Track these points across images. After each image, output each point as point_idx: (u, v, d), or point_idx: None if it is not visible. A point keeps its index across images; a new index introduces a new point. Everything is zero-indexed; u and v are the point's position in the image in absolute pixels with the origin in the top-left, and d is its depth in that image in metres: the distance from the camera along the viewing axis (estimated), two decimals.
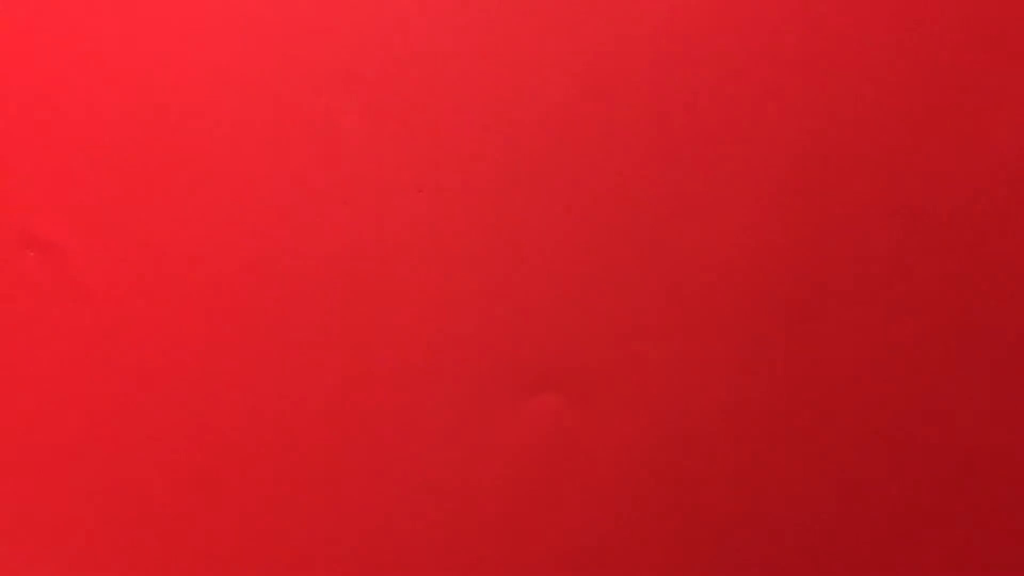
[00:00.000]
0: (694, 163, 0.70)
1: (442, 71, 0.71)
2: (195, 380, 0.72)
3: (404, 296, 0.72)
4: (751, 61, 0.70)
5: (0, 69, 0.74)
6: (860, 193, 0.70)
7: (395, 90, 0.72)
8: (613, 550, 0.72)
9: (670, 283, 0.70)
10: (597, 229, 0.71)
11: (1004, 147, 0.69)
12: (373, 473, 0.72)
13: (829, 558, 0.72)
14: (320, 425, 0.72)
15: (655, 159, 0.70)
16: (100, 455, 0.73)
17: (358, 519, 0.72)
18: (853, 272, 0.70)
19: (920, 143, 0.69)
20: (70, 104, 0.73)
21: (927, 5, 0.69)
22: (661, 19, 0.70)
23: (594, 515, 0.72)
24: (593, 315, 0.71)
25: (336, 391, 0.72)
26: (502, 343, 0.71)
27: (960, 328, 0.70)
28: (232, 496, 0.73)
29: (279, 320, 0.72)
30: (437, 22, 0.71)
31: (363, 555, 0.72)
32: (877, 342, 0.70)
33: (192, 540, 0.73)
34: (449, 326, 0.72)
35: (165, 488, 0.73)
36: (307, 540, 0.73)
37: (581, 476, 0.72)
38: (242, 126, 0.72)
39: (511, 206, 0.71)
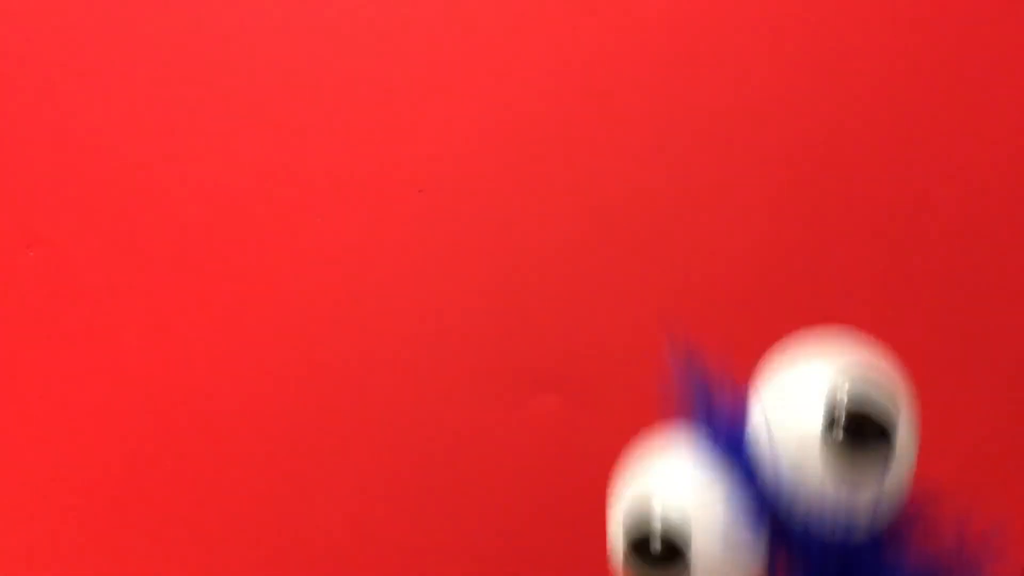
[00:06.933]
0: (695, 164, 0.70)
1: (443, 71, 0.72)
2: (197, 381, 0.72)
3: (403, 297, 0.72)
4: (752, 61, 0.70)
5: (0, 70, 0.74)
6: (860, 196, 0.70)
7: (395, 90, 0.72)
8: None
9: (670, 284, 0.70)
10: (598, 230, 0.71)
11: (1004, 147, 0.69)
12: (372, 473, 0.72)
13: None
14: (319, 425, 0.72)
15: (656, 160, 0.71)
16: (100, 455, 0.73)
17: (359, 518, 0.72)
18: (854, 275, 0.70)
19: (920, 143, 0.70)
20: (71, 104, 0.73)
21: (927, 5, 0.69)
22: (662, 19, 0.70)
23: (594, 514, 0.72)
24: (593, 316, 0.71)
25: (335, 391, 0.72)
26: (502, 343, 0.71)
27: (960, 328, 0.70)
28: (233, 496, 0.73)
29: (280, 320, 0.72)
30: (437, 21, 0.71)
31: (363, 554, 0.72)
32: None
33: (194, 539, 0.73)
34: (449, 327, 0.72)
35: (166, 488, 0.73)
36: (308, 539, 0.73)
37: (581, 476, 0.72)
38: (242, 126, 0.72)
39: (511, 207, 0.71)
